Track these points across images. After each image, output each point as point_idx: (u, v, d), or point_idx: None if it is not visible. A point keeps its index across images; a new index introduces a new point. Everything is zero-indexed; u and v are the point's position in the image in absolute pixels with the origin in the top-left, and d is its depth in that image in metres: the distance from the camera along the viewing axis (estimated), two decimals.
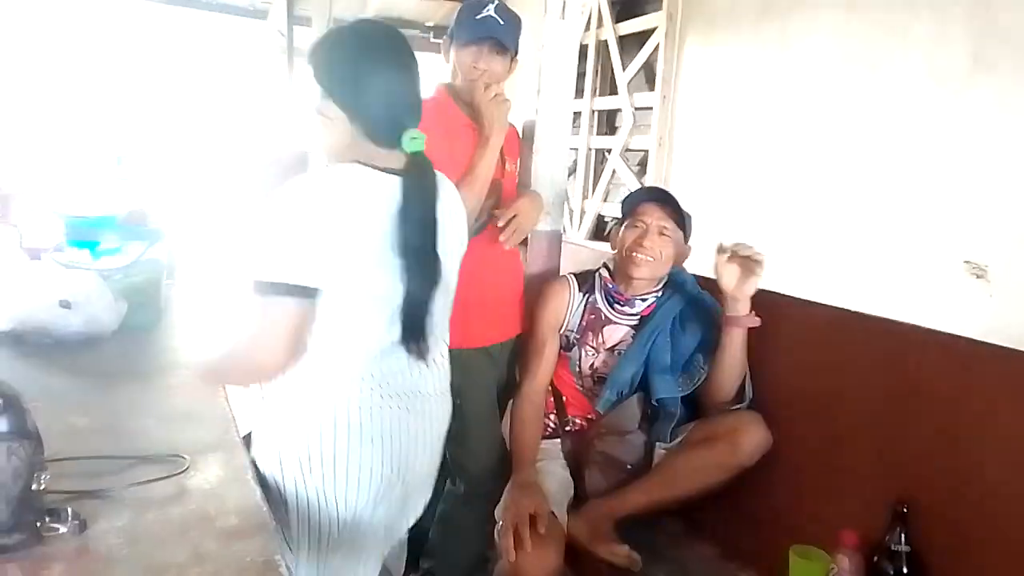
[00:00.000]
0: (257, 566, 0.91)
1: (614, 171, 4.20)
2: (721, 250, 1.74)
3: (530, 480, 1.86)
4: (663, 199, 1.90)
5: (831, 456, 1.69)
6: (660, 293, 1.93)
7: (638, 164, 4.11)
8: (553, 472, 1.94)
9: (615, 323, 1.94)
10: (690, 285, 1.95)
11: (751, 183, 3.32)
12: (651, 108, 3.91)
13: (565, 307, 1.99)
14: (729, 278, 1.73)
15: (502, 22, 1.89)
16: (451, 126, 1.93)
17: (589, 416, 2.00)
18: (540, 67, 2.14)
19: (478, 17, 1.88)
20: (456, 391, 2.01)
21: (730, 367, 1.77)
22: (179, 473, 1.15)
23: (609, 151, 4.31)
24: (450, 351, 1.95)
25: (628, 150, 4.16)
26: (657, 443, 1.88)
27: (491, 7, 1.89)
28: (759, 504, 1.78)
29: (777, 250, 3.20)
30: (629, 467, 1.88)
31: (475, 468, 2.04)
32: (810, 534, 1.61)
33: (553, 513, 1.79)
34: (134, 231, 2.17)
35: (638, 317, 1.92)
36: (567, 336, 1.99)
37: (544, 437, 2.02)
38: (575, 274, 2.04)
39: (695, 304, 1.92)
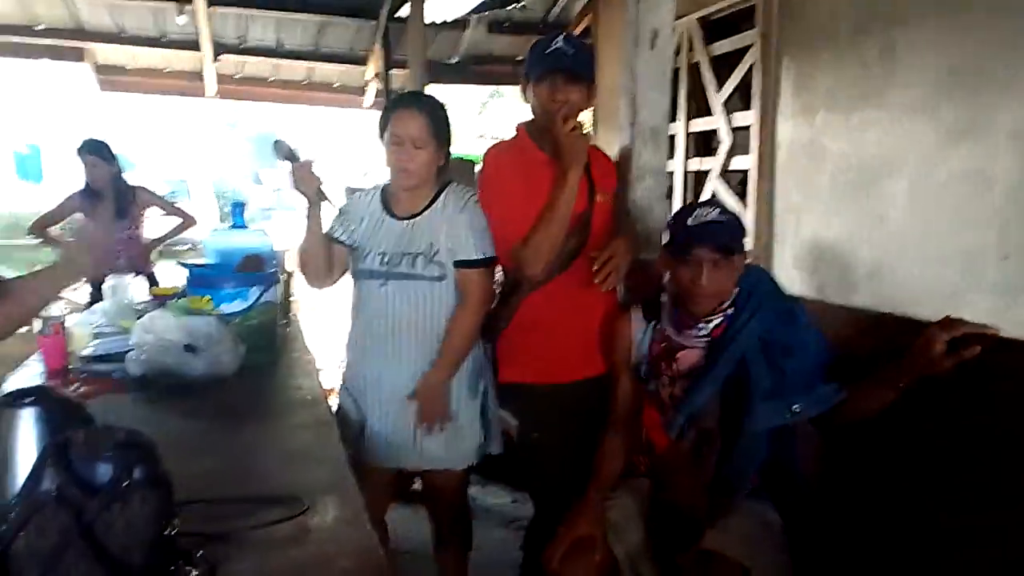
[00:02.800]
0: None
1: (713, 193, 4.12)
2: (946, 337, 1.44)
3: (593, 503, 1.81)
4: (710, 238, 1.72)
5: (971, 495, 1.55)
6: (730, 310, 1.77)
7: (738, 184, 4.01)
8: (626, 507, 1.84)
9: (688, 348, 1.81)
10: (773, 297, 1.77)
11: (858, 201, 3.18)
12: (748, 128, 3.82)
13: (629, 339, 1.90)
14: (946, 364, 1.45)
15: (572, 51, 1.90)
16: (527, 163, 1.94)
17: None
18: (634, 97, 2.13)
19: (548, 51, 1.91)
20: (534, 424, 2.01)
21: (863, 415, 1.63)
22: (299, 514, 1.18)
23: (707, 173, 4.23)
24: (531, 385, 1.95)
25: (727, 171, 4.07)
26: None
27: (559, 39, 1.91)
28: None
29: (887, 270, 3.05)
30: (684, 511, 1.77)
31: (548, 500, 2.02)
32: None
33: (609, 546, 1.73)
34: (251, 276, 2.28)
35: (708, 338, 1.78)
36: (639, 368, 1.90)
37: (635, 475, 1.95)
38: (645, 301, 1.94)
39: (786, 319, 1.74)
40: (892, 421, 1.62)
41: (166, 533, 0.98)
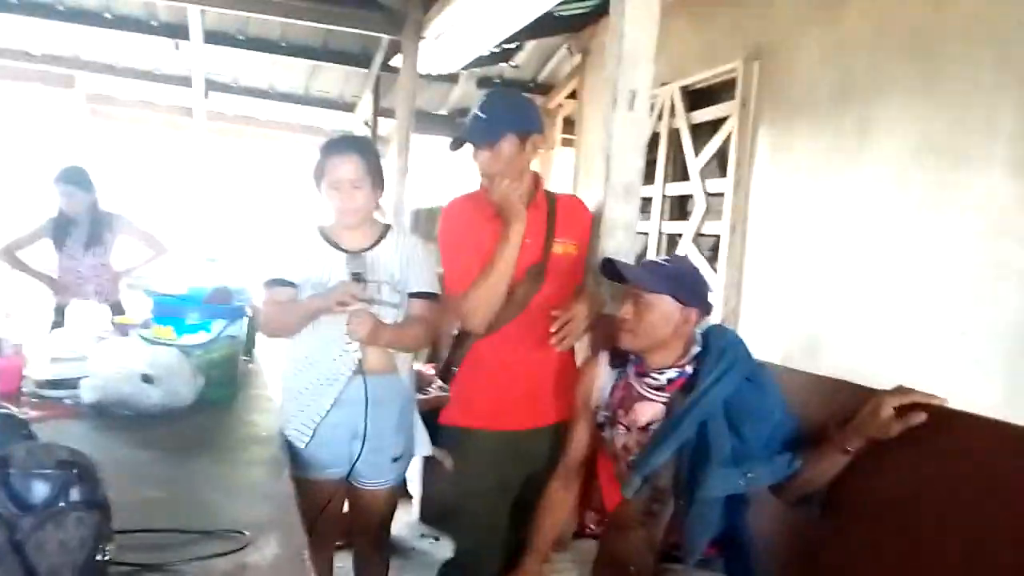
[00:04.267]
0: None
1: (686, 256, 4.18)
2: (895, 402, 1.49)
3: (530, 570, 1.79)
4: (630, 274, 1.76)
5: (913, 560, 1.57)
6: (689, 368, 1.75)
7: (710, 249, 4.08)
8: (567, 572, 1.86)
9: (646, 399, 1.78)
10: (742, 360, 1.74)
11: (826, 270, 3.25)
12: (723, 194, 3.91)
13: (593, 384, 1.88)
14: (893, 429, 1.49)
15: (484, 116, 1.95)
16: (481, 217, 1.97)
17: None
18: (608, 155, 2.19)
19: (466, 120, 2.00)
20: (471, 467, 2.03)
21: (819, 482, 1.63)
22: (238, 550, 1.16)
23: (681, 236, 4.30)
24: (473, 430, 2.03)
25: (700, 235, 4.14)
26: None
27: (478, 105, 1.98)
28: None
29: (852, 339, 3.10)
30: (632, 568, 1.72)
31: (461, 547, 2.05)
32: None
33: None
34: (217, 309, 2.27)
35: (667, 394, 1.76)
36: (597, 415, 1.86)
37: (585, 535, 1.93)
38: (614, 349, 1.90)
39: (753, 385, 1.72)
40: (844, 489, 1.64)
41: (99, 558, 0.96)
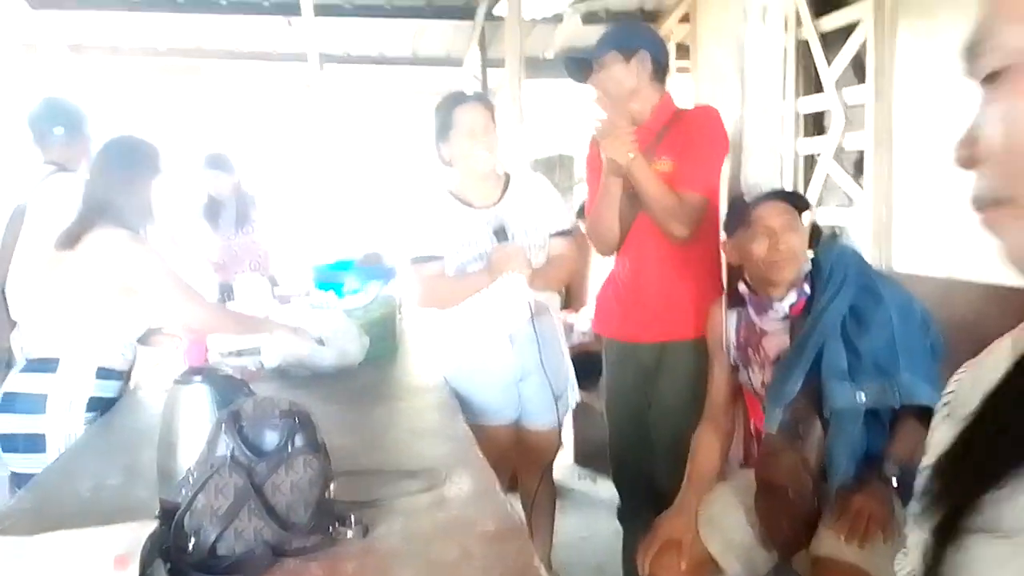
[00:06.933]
0: (520, 567, 0.97)
1: (827, 175, 3.98)
2: None
3: (686, 505, 1.78)
4: (779, 195, 1.78)
5: None
6: (806, 286, 1.71)
7: (853, 164, 3.86)
8: (725, 498, 1.79)
9: (770, 333, 1.76)
10: (858, 273, 1.70)
11: None
12: (863, 104, 3.67)
13: (720, 325, 1.87)
14: None
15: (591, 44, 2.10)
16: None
17: None
18: (743, 72, 2.10)
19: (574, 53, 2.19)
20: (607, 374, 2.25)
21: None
22: (440, 485, 1.25)
23: (819, 154, 4.09)
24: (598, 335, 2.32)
25: (841, 150, 3.92)
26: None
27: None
28: None
29: None
30: (790, 492, 1.66)
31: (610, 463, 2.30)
32: None
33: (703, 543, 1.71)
34: (371, 271, 2.39)
35: (788, 320, 1.73)
36: (731, 356, 1.86)
37: (750, 465, 1.90)
38: (730, 290, 1.91)
39: (869, 296, 1.67)
40: None
41: (325, 496, 1.06)
